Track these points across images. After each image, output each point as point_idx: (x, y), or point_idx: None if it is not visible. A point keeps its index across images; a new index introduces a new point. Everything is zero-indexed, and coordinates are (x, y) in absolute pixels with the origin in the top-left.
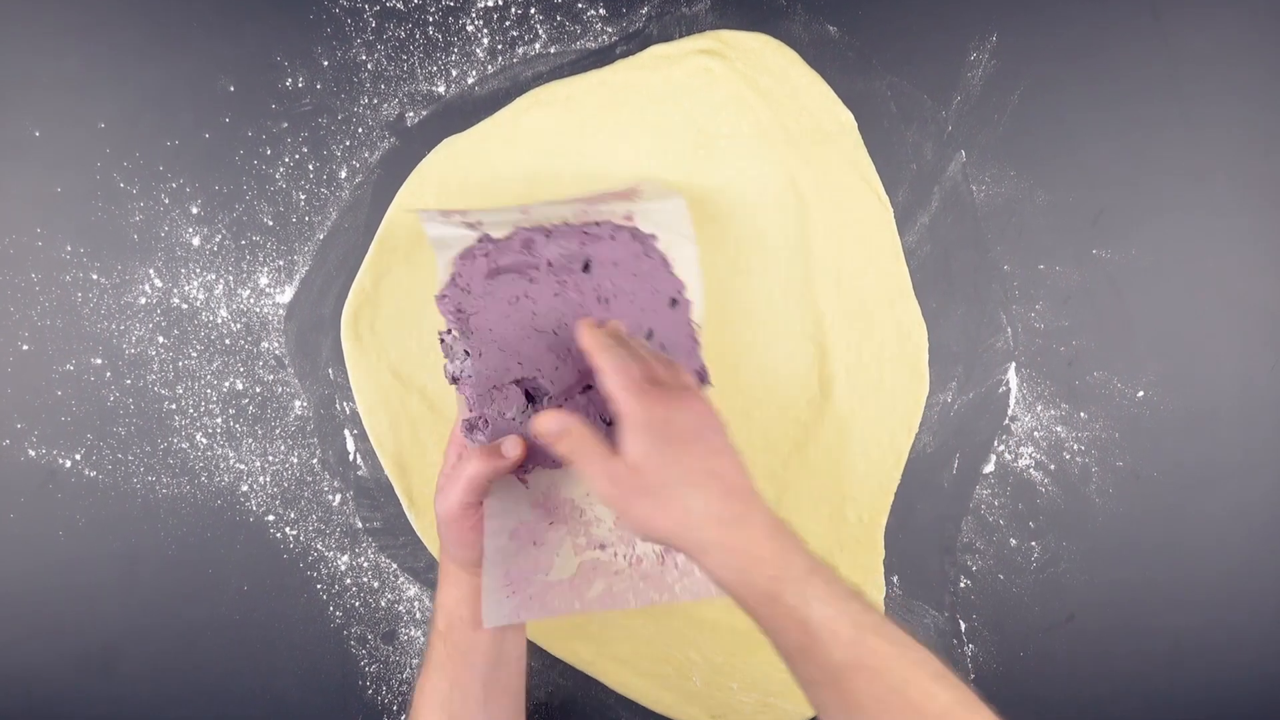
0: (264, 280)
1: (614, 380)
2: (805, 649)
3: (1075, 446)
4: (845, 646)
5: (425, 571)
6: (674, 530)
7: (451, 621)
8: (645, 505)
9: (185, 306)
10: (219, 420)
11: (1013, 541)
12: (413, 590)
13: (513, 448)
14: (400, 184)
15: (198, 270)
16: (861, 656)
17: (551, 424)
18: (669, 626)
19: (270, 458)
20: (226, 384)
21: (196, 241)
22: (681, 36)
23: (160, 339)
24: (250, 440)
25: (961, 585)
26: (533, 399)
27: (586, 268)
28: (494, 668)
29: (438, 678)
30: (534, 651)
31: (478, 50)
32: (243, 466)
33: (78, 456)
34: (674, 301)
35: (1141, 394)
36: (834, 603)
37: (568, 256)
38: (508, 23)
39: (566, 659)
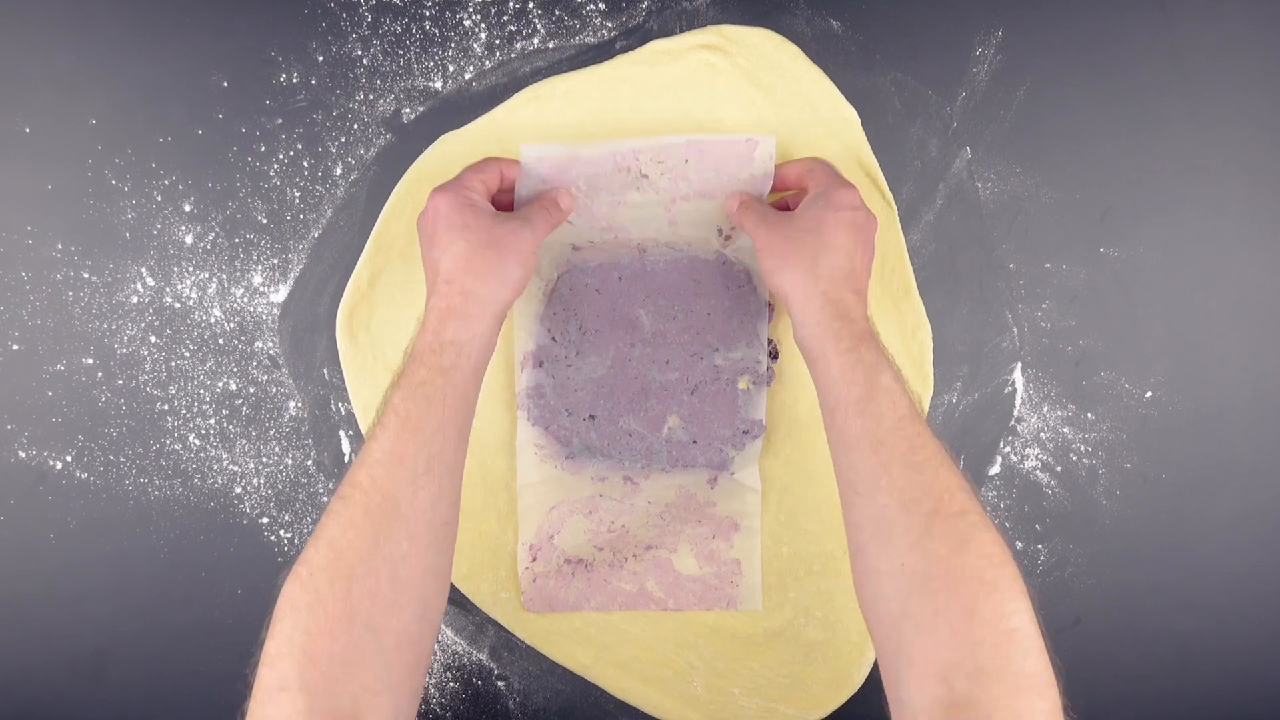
0: (258, 279)
1: (818, 167)
2: (864, 404)
3: (1082, 448)
4: (900, 416)
5: None
6: (803, 271)
7: (459, 361)
8: (796, 250)
9: (178, 306)
10: (212, 421)
11: (1019, 544)
12: None
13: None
14: (396, 181)
15: (190, 269)
16: (908, 430)
17: (733, 199)
18: (669, 631)
19: (264, 459)
20: (220, 384)
21: (189, 239)
22: (682, 31)
23: (153, 339)
24: (244, 442)
25: None
26: None
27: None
28: (466, 432)
29: (425, 409)
30: (532, 656)
31: (475, 45)
32: (236, 468)
33: (69, 458)
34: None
35: (1150, 394)
36: (899, 380)
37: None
38: (505, 17)
39: (565, 663)
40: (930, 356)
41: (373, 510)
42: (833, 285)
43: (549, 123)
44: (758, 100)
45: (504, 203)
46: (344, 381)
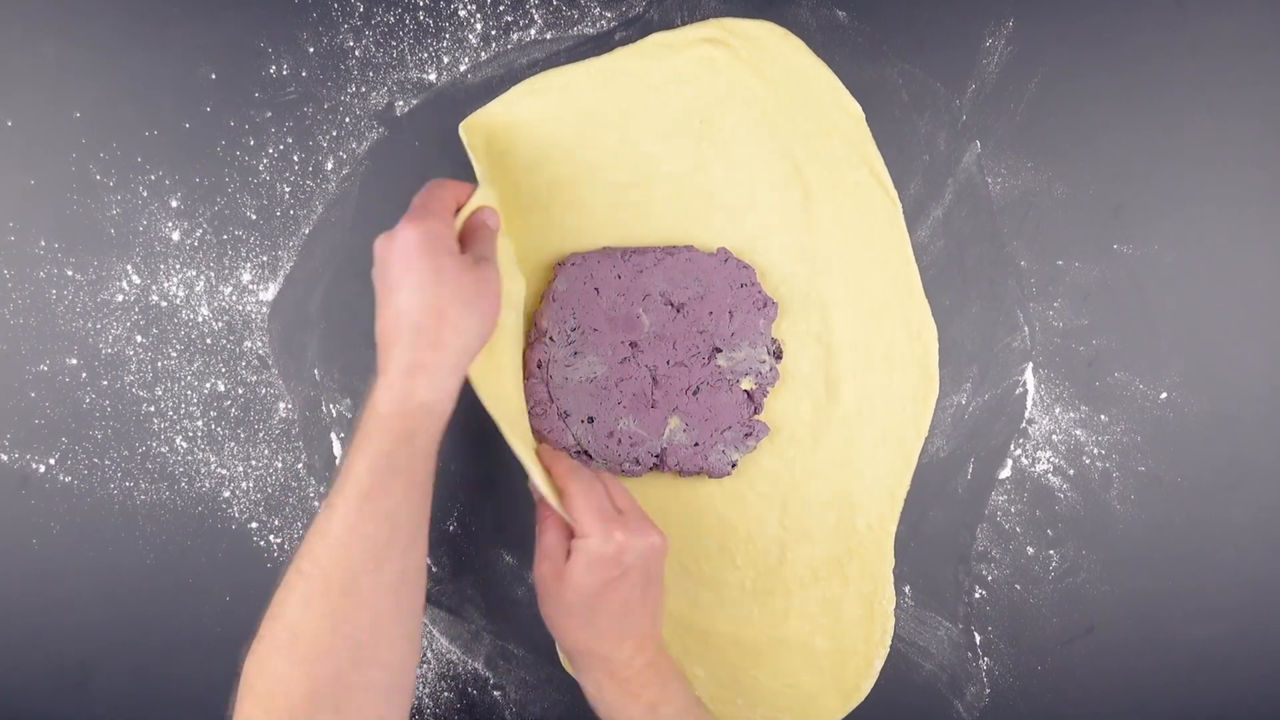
0: (247, 277)
1: (580, 505)
2: None
3: (1095, 450)
4: None
5: None
6: (575, 646)
7: (427, 423)
8: (565, 622)
9: (164, 304)
10: (200, 423)
11: (1030, 550)
12: None
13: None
14: (390, 177)
15: (177, 266)
16: None
17: (551, 474)
18: (671, 640)
19: (253, 462)
20: (207, 385)
21: (176, 236)
22: (683, 23)
23: (138, 338)
24: (232, 444)
25: (976, 596)
26: None
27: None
28: (429, 493)
29: (390, 480)
30: (529, 665)
31: (470, 36)
32: (225, 472)
33: (52, 461)
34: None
35: (1165, 395)
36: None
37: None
38: (502, 7)
39: (568, 667)
40: (935, 359)
41: (332, 590)
42: (602, 655)
43: (546, 117)
44: (760, 95)
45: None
46: (337, 379)
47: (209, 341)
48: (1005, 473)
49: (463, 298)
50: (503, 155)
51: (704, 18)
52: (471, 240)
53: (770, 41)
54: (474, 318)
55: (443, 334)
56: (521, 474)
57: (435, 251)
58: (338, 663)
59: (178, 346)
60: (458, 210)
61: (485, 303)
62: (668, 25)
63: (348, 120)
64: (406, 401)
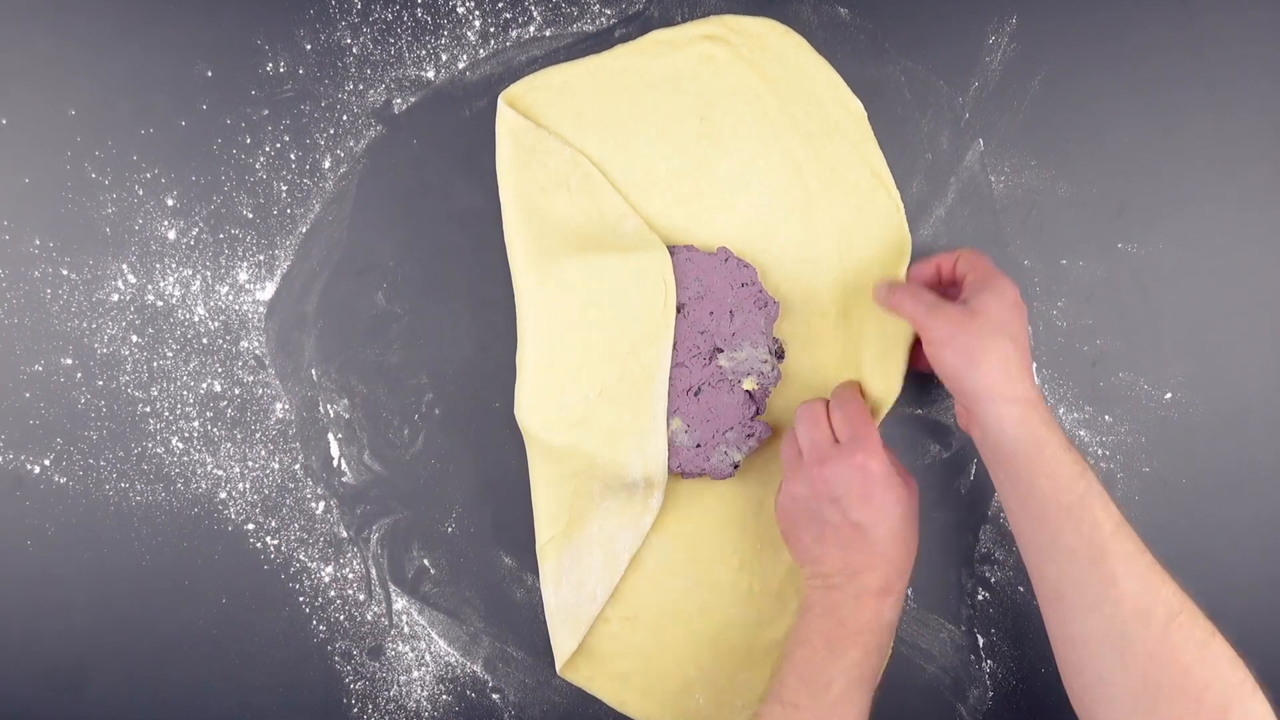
0: (243, 276)
1: (977, 260)
2: (1077, 511)
3: (1099, 451)
4: (1116, 523)
5: (414, 583)
6: (1001, 373)
7: (886, 642)
8: (988, 347)
9: (160, 304)
10: (196, 424)
11: None
12: (400, 603)
13: None
14: (388, 176)
15: (173, 265)
16: (1125, 536)
17: (881, 288)
18: (669, 643)
19: (250, 463)
20: (204, 385)
21: (172, 235)
22: (684, 20)
23: (134, 338)
24: (229, 445)
25: (980, 598)
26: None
27: None
28: None
29: (860, 690)
30: (528, 668)
31: (469, 33)
32: (221, 472)
33: (46, 462)
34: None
35: (1169, 396)
36: (1101, 485)
37: None
38: (501, 4)
39: (563, 674)
40: (903, 370)
41: None
42: (1025, 384)
43: (544, 116)
44: (761, 92)
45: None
46: (335, 379)
47: (205, 341)
48: None
49: (912, 523)
50: (500, 153)
51: (704, 14)
52: (874, 444)
53: (771, 39)
54: (917, 538)
55: (903, 559)
56: (520, 476)
57: (893, 484)
58: None
59: (174, 346)
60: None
61: (917, 521)
62: (668, 22)
63: (345, 118)
64: (878, 619)
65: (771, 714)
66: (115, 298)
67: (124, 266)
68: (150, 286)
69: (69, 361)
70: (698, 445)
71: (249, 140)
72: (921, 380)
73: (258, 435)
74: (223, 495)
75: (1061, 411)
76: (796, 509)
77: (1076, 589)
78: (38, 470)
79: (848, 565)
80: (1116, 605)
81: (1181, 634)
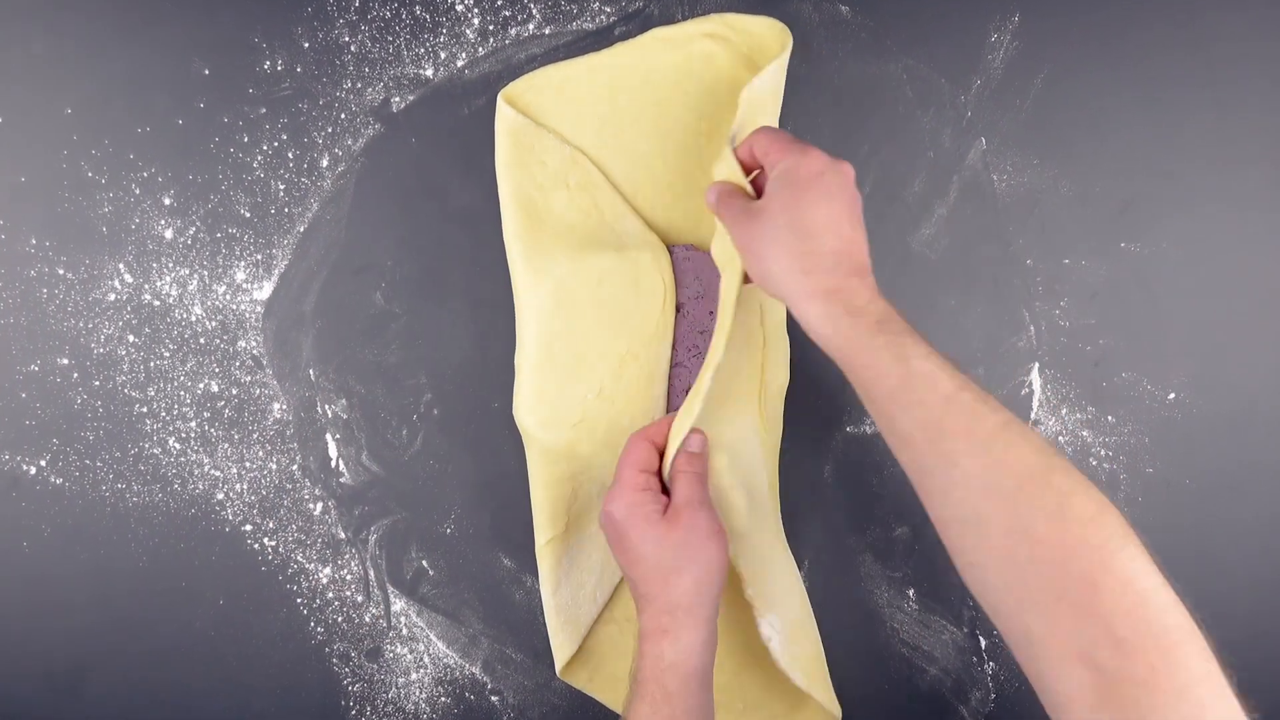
0: (240, 275)
1: (772, 139)
2: (901, 395)
3: (1102, 452)
4: (944, 397)
5: (413, 584)
6: (790, 272)
7: (687, 682)
8: (772, 247)
9: (157, 303)
10: (193, 424)
11: None
12: (399, 604)
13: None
14: (387, 174)
15: (170, 265)
16: (959, 409)
17: (709, 192)
18: None
19: (247, 464)
20: (201, 386)
21: (169, 234)
22: (684, 17)
23: (130, 338)
24: (226, 445)
25: None
26: None
27: None
28: None
29: None
30: (527, 670)
31: (468, 31)
32: (218, 473)
33: (43, 463)
34: None
35: (1172, 396)
36: (933, 358)
37: None
38: (499, 2)
39: (563, 676)
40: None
41: None
42: (825, 275)
43: (544, 114)
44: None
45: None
46: (332, 379)
47: (202, 341)
48: None
49: (675, 551)
50: (499, 151)
51: (705, 13)
52: (675, 483)
53: (769, 38)
54: (691, 571)
55: (670, 595)
56: (519, 477)
57: (639, 521)
58: None
59: (171, 346)
60: (649, 464)
61: (696, 551)
62: (668, 20)
63: (343, 116)
64: (658, 663)
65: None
66: (112, 297)
67: (121, 266)
68: (147, 286)
69: (65, 361)
70: None
71: (246, 139)
72: None
73: (255, 436)
74: (220, 496)
75: (1064, 412)
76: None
77: (926, 475)
78: (34, 471)
79: (639, 608)
80: (963, 487)
81: (1032, 502)
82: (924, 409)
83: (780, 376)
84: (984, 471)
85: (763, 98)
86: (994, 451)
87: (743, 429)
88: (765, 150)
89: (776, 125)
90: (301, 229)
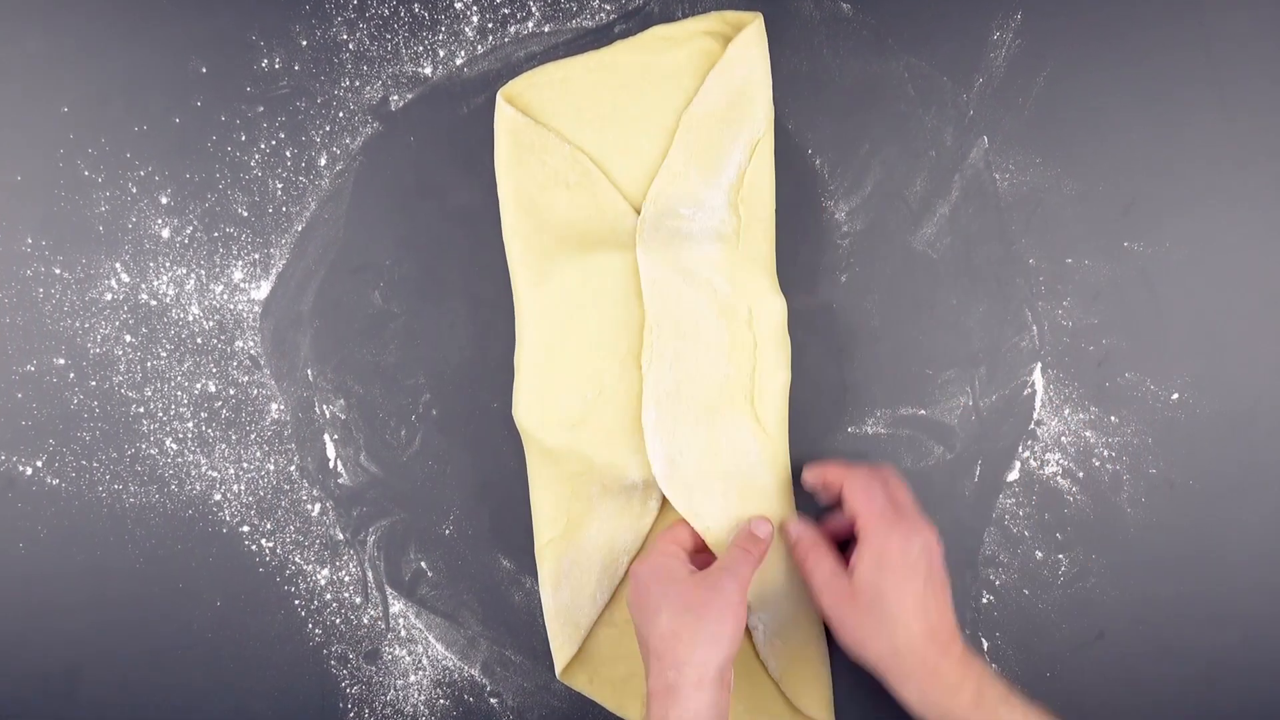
0: (238, 275)
1: (862, 502)
2: None
3: (1105, 453)
4: None
5: (412, 585)
6: (882, 655)
7: None
8: (862, 627)
9: (154, 303)
10: (190, 425)
11: (1038, 554)
12: (398, 606)
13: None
14: (385, 173)
15: (167, 264)
16: None
17: (790, 530)
18: None
19: (245, 465)
20: (198, 386)
21: (166, 233)
22: (685, 15)
23: (127, 338)
24: (223, 446)
25: (984, 601)
26: None
27: None
28: None
29: None
30: (526, 672)
31: (467, 29)
32: (215, 474)
33: (39, 463)
34: None
35: (1176, 396)
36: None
37: None
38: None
39: (563, 679)
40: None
41: None
42: (916, 657)
43: (544, 112)
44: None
45: (704, 561)
46: (330, 380)
47: (199, 341)
48: (1013, 475)
49: (691, 612)
50: (499, 150)
51: (705, 10)
52: (725, 553)
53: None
54: (707, 629)
55: (678, 653)
56: (519, 478)
57: (663, 579)
58: None
59: (168, 346)
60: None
61: (715, 610)
62: (668, 18)
63: (341, 115)
64: None
65: None
66: (108, 297)
67: (117, 265)
68: (144, 285)
69: (61, 361)
70: None
71: (244, 137)
72: (923, 379)
73: (252, 436)
74: (217, 497)
75: (1067, 412)
76: None
77: None
78: (30, 472)
79: (647, 668)
80: None
81: None
82: None
83: (779, 378)
84: None
85: (750, 89)
86: None
87: (732, 431)
88: (855, 508)
89: (768, 120)
90: (299, 228)
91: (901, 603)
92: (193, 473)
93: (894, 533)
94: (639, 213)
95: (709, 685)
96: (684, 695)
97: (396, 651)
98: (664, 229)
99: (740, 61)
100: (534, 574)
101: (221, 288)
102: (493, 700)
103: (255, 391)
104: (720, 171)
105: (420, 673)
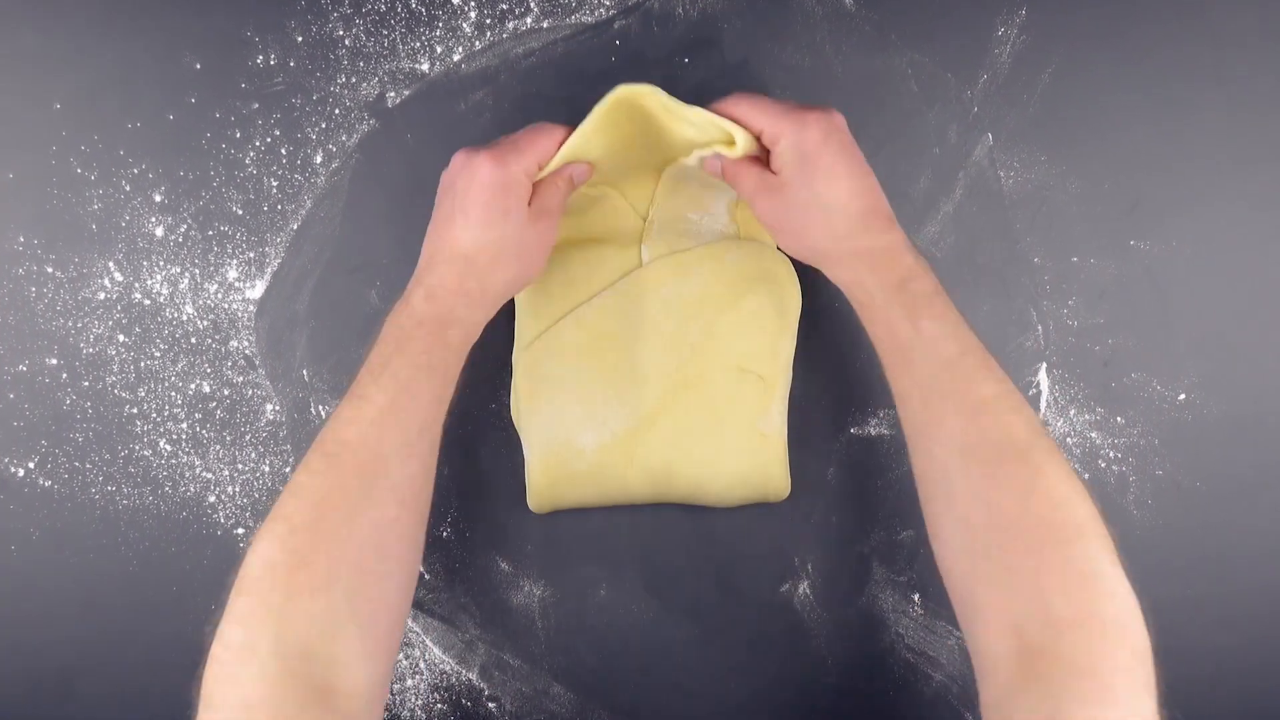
0: (233, 274)
1: (759, 113)
2: (906, 354)
3: (1111, 454)
4: (945, 360)
5: None
6: (821, 242)
7: (464, 336)
8: (800, 220)
9: (148, 302)
10: (184, 425)
11: None
12: None
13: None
14: (382, 171)
15: (161, 263)
16: (959, 373)
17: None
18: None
19: (240, 466)
20: (192, 386)
21: (160, 232)
22: (684, 11)
23: (120, 337)
24: (218, 447)
25: None
26: None
27: None
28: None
29: (427, 377)
30: (524, 675)
31: (464, 24)
32: (210, 475)
33: (31, 465)
34: None
35: (1183, 397)
36: (946, 320)
37: None
38: None
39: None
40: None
41: (364, 470)
42: (855, 239)
43: None
44: None
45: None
46: (327, 380)
47: (194, 341)
48: None
49: (518, 248)
50: None
51: (705, 6)
52: (545, 188)
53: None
54: (518, 268)
55: (492, 274)
56: (517, 479)
57: (506, 197)
58: (361, 546)
59: (161, 346)
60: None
61: (531, 257)
62: (668, 14)
63: (337, 112)
64: (448, 313)
65: (343, 408)
66: (101, 296)
67: (110, 264)
68: (137, 284)
69: (54, 362)
70: None
71: (239, 135)
72: None
73: (248, 437)
74: (212, 499)
75: (1072, 413)
76: None
77: (914, 431)
78: (22, 473)
79: (428, 256)
80: (943, 446)
81: (1004, 474)
82: (923, 369)
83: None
84: (965, 435)
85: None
86: (981, 418)
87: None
88: (757, 123)
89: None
90: (295, 226)
91: (834, 186)
92: (187, 474)
93: (806, 122)
94: (644, 219)
95: (492, 309)
96: (475, 301)
97: None
98: (671, 230)
99: None
100: (532, 576)
101: (216, 287)
102: (491, 704)
103: (250, 392)
104: (722, 186)
105: (418, 676)
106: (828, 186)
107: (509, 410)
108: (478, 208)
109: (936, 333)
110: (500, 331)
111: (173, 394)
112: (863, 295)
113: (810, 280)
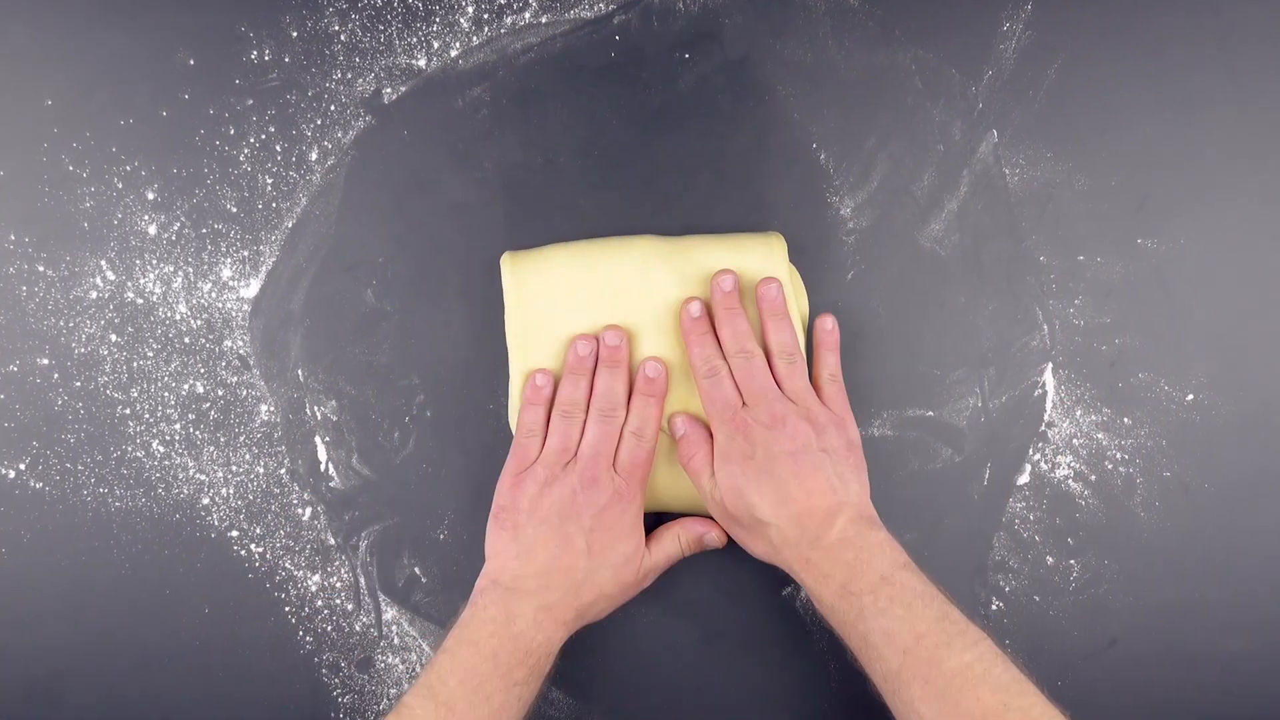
0: (227, 273)
1: (706, 407)
2: (864, 654)
3: (1118, 455)
4: (901, 651)
5: (405, 592)
6: (767, 554)
7: (540, 661)
8: (739, 533)
9: (140, 301)
10: (177, 426)
11: (1049, 560)
12: (390, 613)
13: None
14: (378, 168)
15: (154, 262)
16: (915, 666)
17: (676, 424)
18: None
19: (234, 467)
20: (186, 386)
21: (153, 230)
22: (684, 6)
23: (113, 337)
24: (212, 448)
25: (994, 608)
26: None
27: None
28: None
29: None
30: None
31: (462, 20)
32: (203, 477)
33: (22, 466)
34: None
35: (1191, 397)
36: (890, 612)
37: None
38: None
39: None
40: None
41: None
42: (790, 549)
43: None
44: None
45: None
46: (322, 380)
47: (187, 341)
48: (1024, 479)
49: (615, 573)
50: None
51: (706, 0)
52: (661, 538)
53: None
54: (606, 585)
55: (566, 596)
56: None
57: (625, 510)
58: None
59: (154, 346)
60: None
61: (629, 584)
62: (668, 11)
63: (333, 108)
64: (549, 644)
65: (424, 710)
66: (94, 295)
67: (103, 263)
68: (130, 283)
69: (45, 362)
70: None
71: (233, 131)
72: (931, 380)
73: (242, 438)
74: (205, 501)
75: (1079, 413)
76: None
77: (886, 701)
78: (13, 475)
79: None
80: None
81: None
82: (884, 664)
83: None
84: (940, 715)
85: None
86: (949, 697)
87: None
88: (709, 419)
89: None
90: (290, 224)
91: (762, 501)
92: (180, 476)
93: (737, 436)
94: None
95: (574, 627)
96: (556, 628)
97: (390, 660)
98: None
99: None
100: None
101: (210, 286)
102: None
103: (244, 392)
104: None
105: (414, 681)
106: (758, 499)
107: (505, 411)
108: (611, 548)
109: (888, 628)
110: (497, 331)
111: (166, 394)
112: (814, 599)
113: (812, 281)
